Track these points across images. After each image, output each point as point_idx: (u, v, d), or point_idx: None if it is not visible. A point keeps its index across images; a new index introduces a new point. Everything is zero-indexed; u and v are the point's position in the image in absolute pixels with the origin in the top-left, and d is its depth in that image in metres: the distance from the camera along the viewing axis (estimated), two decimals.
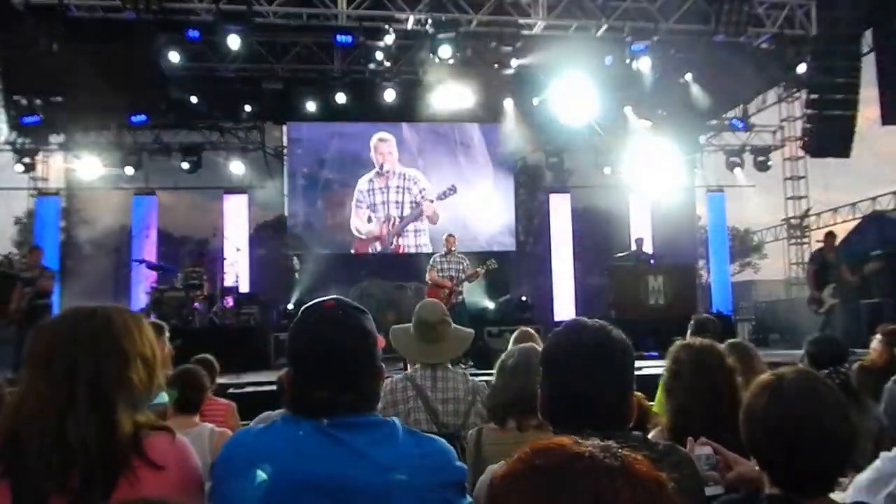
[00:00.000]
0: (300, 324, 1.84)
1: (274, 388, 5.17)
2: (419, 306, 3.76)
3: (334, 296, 1.92)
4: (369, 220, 15.29)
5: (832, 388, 1.88)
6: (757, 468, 1.99)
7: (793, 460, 1.79)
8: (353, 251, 15.33)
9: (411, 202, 15.41)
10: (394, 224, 15.26)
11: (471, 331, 3.86)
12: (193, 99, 13.40)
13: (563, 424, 1.75)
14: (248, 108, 13.98)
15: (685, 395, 2.58)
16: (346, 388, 1.72)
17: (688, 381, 2.60)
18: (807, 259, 11.06)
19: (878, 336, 4.95)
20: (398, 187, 15.41)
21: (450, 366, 3.61)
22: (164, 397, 3.58)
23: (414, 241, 15.44)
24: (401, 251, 15.37)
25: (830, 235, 11.75)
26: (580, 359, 1.80)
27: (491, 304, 14.38)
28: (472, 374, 3.78)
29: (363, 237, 15.28)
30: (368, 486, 1.63)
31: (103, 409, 1.60)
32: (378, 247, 15.32)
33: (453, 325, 3.76)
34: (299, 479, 1.62)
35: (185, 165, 15.16)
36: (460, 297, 10.63)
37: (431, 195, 15.34)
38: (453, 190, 15.22)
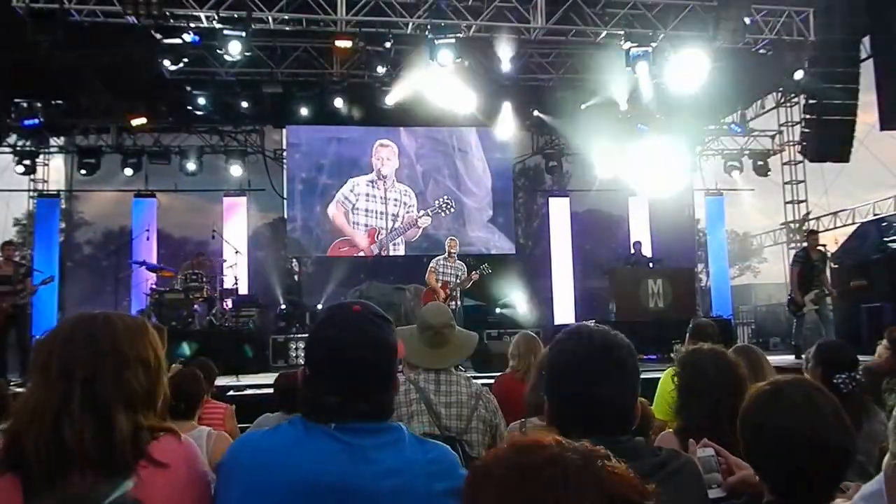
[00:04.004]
0: (322, 325, 1.84)
1: (271, 391, 5.17)
2: (424, 310, 3.74)
3: (360, 300, 1.92)
4: (347, 219, 15.23)
5: (829, 397, 1.88)
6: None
7: (789, 469, 1.80)
8: (327, 254, 15.27)
9: (402, 216, 15.38)
10: (381, 234, 15.23)
11: (475, 335, 3.83)
12: (200, 103, 13.41)
13: (570, 430, 1.74)
14: (247, 111, 14.01)
15: (705, 399, 2.58)
16: (357, 397, 1.72)
17: (710, 384, 2.60)
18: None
19: (885, 342, 4.95)
20: (395, 200, 15.41)
21: (453, 369, 3.60)
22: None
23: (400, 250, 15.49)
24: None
25: (813, 233, 11.72)
26: (587, 365, 1.79)
27: (490, 307, 14.39)
28: (472, 377, 3.77)
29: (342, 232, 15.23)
30: (373, 491, 1.64)
31: (99, 410, 1.60)
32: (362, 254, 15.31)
33: (457, 328, 3.73)
34: (304, 481, 1.63)
35: (187, 169, 15.18)
36: (457, 303, 10.65)
37: (420, 213, 15.36)
38: (449, 205, 15.22)
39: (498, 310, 14.15)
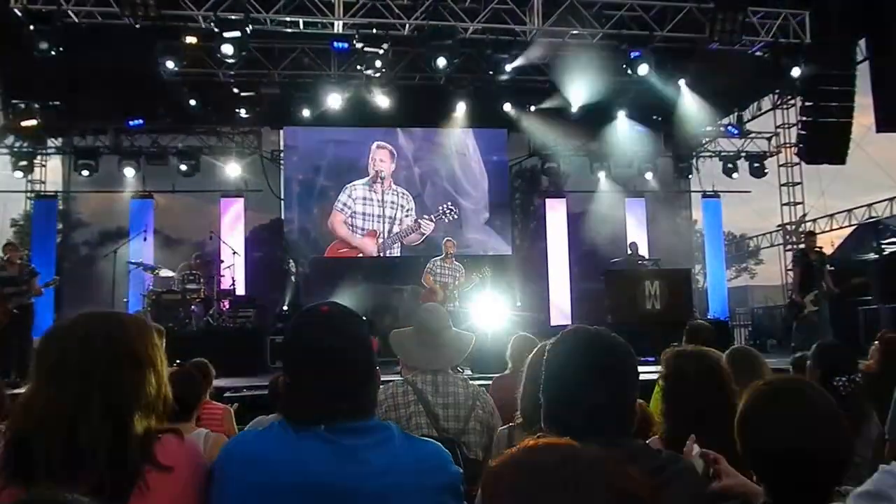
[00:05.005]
0: (296, 330, 1.85)
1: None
2: (420, 311, 3.74)
3: (330, 300, 1.93)
4: (346, 224, 15.23)
5: (825, 397, 1.87)
6: (745, 483, 2.01)
7: (786, 471, 1.79)
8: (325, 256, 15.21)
9: (401, 219, 15.39)
10: (381, 238, 15.23)
11: (472, 336, 3.83)
12: (191, 103, 13.41)
13: (569, 433, 1.76)
14: (245, 112, 14.00)
15: (690, 402, 2.57)
16: (343, 397, 1.73)
17: (693, 387, 2.58)
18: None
19: (877, 343, 4.96)
20: (392, 203, 15.41)
21: (450, 370, 3.61)
22: None
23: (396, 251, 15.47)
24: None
25: (811, 235, 11.77)
26: (586, 366, 1.79)
27: (487, 309, 14.35)
28: (469, 378, 3.77)
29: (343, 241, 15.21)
30: (365, 490, 1.64)
31: (117, 416, 1.59)
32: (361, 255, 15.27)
33: (454, 329, 3.74)
34: (297, 482, 1.64)
35: (183, 167, 15.17)
36: (455, 304, 10.64)
37: (424, 217, 15.38)
38: (453, 212, 15.24)
39: (492, 311, 14.14)
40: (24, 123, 13.24)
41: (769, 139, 17.44)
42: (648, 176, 16.58)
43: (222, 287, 13.45)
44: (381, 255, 15.24)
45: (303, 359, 1.79)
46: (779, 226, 18.32)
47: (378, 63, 11.90)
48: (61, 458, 1.53)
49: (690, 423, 2.45)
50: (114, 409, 1.60)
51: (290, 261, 15.22)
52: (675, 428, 2.58)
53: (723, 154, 17.28)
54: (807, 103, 13.46)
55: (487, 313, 10.63)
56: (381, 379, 1.93)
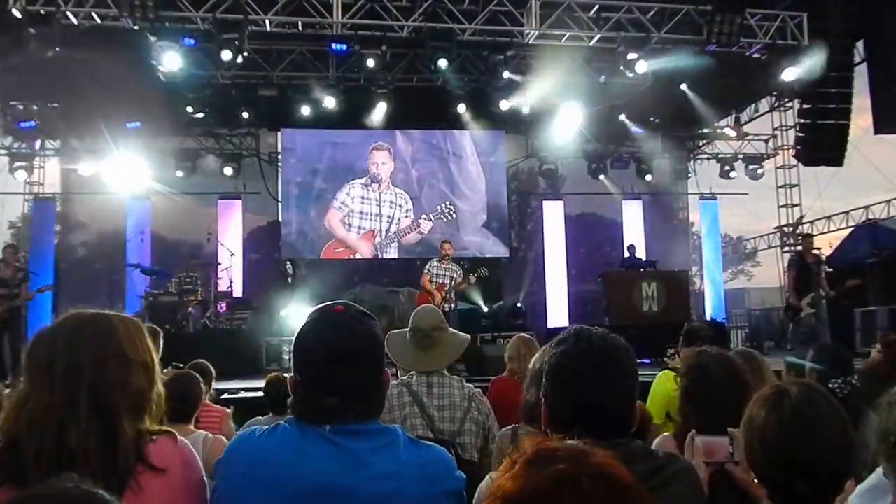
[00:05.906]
0: (309, 329, 1.83)
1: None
2: (414, 313, 3.74)
3: (342, 300, 1.93)
4: (343, 224, 15.24)
5: (832, 403, 1.87)
6: (755, 484, 2.01)
7: (790, 474, 1.79)
8: (321, 257, 15.23)
9: (399, 219, 15.40)
10: (378, 237, 15.24)
11: (466, 336, 3.83)
12: (188, 105, 13.39)
13: (569, 433, 1.71)
14: (243, 114, 13.98)
15: (713, 402, 2.53)
16: (355, 396, 1.73)
17: (717, 387, 2.55)
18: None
19: (878, 345, 4.96)
20: (391, 202, 15.41)
21: (446, 372, 3.61)
22: None
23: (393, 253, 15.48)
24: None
25: (808, 237, 11.79)
26: (588, 368, 1.78)
27: (484, 311, 14.37)
28: (465, 381, 3.77)
29: (340, 240, 15.23)
30: (368, 494, 1.64)
31: (106, 415, 1.58)
32: (359, 256, 15.29)
33: (450, 330, 3.74)
34: (300, 484, 1.64)
35: (179, 174, 15.16)
36: (451, 305, 10.65)
37: (423, 217, 15.40)
38: (451, 211, 15.26)
39: (489, 311, 14.15)
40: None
41: (766, 141, 17.44)
42: (646, 178, 16.59)
43: (219, 289, 13.44)
44: (378, 255, 15.24)
45: (319, 357, 1.78)
46: (776, 228, 18.30)
47: (376, 64, 11.91)
48: (52, 458, 1.52)
49: (709, 424, 2.44)
50: (102, 409, 1.59)
51: (288, 262, 15.23)
52: (692, 427, 2.57)
53: (720, 156, 17.30)
54: (804, 105, 13.46)
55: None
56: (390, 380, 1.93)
